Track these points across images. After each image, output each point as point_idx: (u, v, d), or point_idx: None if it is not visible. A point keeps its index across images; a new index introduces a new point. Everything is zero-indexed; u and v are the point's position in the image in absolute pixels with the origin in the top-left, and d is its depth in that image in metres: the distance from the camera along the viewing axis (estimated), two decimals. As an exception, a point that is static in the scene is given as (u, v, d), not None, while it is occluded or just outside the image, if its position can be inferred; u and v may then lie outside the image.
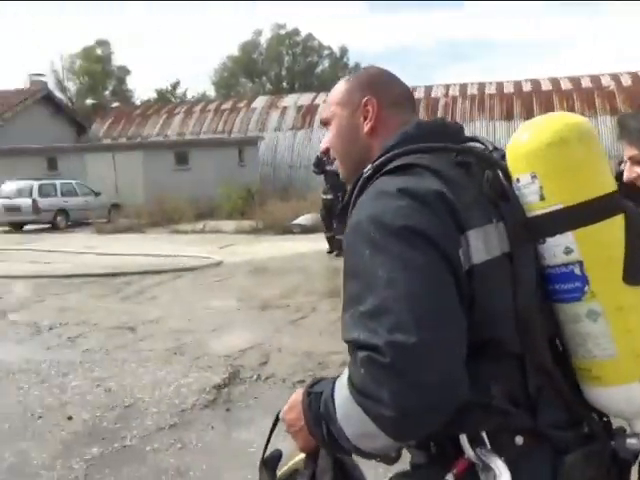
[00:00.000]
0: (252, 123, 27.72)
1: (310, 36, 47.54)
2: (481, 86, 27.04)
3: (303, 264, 10.09)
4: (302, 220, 14.23)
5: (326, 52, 48.88)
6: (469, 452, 0.97)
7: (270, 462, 1.18)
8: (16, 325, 6.66)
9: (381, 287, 0.91)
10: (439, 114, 25.52)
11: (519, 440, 0.98)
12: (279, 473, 1.18)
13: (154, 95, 44.91)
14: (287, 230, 14.58)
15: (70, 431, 3.83)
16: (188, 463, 3.41)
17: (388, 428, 0.89)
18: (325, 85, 37.89)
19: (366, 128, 1.18)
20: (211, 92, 47.00)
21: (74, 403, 4.28)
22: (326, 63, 49.31)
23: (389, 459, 1.07)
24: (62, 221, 18.84)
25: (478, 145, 1.15)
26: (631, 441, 1.04)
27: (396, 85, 1.23)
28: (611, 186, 1.03)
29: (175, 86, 45.98)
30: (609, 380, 1.01)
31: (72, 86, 42.83)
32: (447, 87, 27.53)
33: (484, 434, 0.97)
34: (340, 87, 1.25)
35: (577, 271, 1.01)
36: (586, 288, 1.00)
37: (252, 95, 35.43)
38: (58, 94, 34.96)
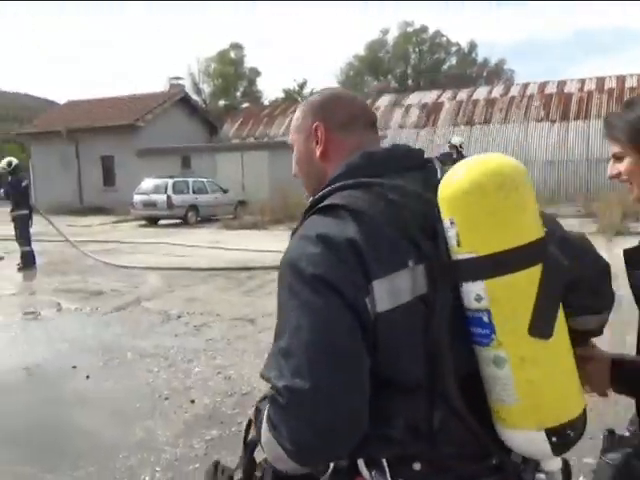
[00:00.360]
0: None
1: (438, 33, 46.91)
2: (620, 79, 25.26)
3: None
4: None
5: (454, 49, 47.98)
6: (365, 474, 1.06)
7: (250, 445, 1.25)
8: (148, 312, 7.18)
9: (291, 331, 0.99)
10: (572, 110, 24.24)
11: (417, 467, 1.04)
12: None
13: (282, 95, 46.30)
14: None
15: (192, 413, 4.10)
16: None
17: (291, 457, 1.00)
18: (452, 82, 37.18)
19: (318, 153, 1.22)
20: (336, 91, 47.67)
21: (197, 388, 4.57)
22: (453, 60, 48.42)
23: (318, 472, 1.12)
24: (193, 217, 19.89)
25: (436, 166, 1.17)
26: (540, 476, 1.09)
27: (344, 106, 1.25)
28: (531, 236, 1.01)
29: (302, 86, 47.11)
30: (511, 423, 1.04)
31: (206, 88, 45.18)
32: (582, 81, 25.99)
33: (384, 462, 1.04)
34: (296, 113, 1.31)
35: (485, 319, 1.01)
36: (493, 336, 1.01)
37: (377, 93, 35.48)
38: (194, 96, 37.03)
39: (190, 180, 21.00)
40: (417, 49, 46.95)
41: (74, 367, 5.06)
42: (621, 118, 1.52)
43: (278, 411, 0.98)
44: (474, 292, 1.02)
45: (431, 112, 26.96)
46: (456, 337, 1.04)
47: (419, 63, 47.15)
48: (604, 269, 1.25)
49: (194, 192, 20.40)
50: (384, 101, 29.19)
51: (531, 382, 1.02)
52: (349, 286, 0.99)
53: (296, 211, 18.38)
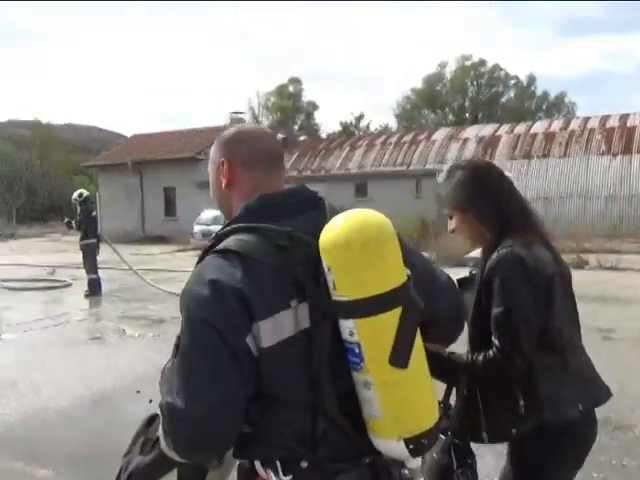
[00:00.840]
0: (431, 155, 27.87)
1: (496, 66, 46.88)
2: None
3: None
4: (476, 253, 13.99)
5: (512, 82, 47.75)
6: (261, 472, 1.29)
7: (151, 419, 1.51)
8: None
9: (181, 355, 1.24)
10: (635, 143, 23.70)
11: (304, 465, 1.26)
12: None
13: (339, 128, 46.97)
14: (461, 263, 14.43)
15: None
16: None
17: (174, 454, 1.29)
18: (510, 115, 36.94)
19: (223, 183, 1.40)
20: (393, 124, 48.03)
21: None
22: (512, 93, 48.14)
23: (211, 466, 1.42)
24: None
25: (325, 207, 1.33)
26: (404, 471, 1.35)
27: (247, 145, 1.40)
28: (393, 284, 1.20)
29: (359, 119, 47.73)
30: (378, 433, 1.27)
31: (265, 121, 46.35)
32: (647, 114, 25.41)
33: (277, 462, 1.26)
34: (212, 147, 1.46)
35: (356, 350, 1.22)
36: (362, 364, 1.22)
37: (433, 127, 35.60)
38: (253, 129, 37.94)
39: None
40: (475, 82, 46.95)
41: (138, 392, 5.31)
42: (444, 186, 1.96)
43: (163, 420, 1.27)
44: (348, 328, 1.22)
45: (488, 145, 26.84)
46: (338, 362, 1.24)
47: (477, 96, 47.10)
48: (458, 306, 1.50)
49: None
50: (441, 134, 29.27)
51: (392, 402, 1.24)
52: (228, 328, 1.19)
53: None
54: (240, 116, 32.48)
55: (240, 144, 1.40)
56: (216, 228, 14.77)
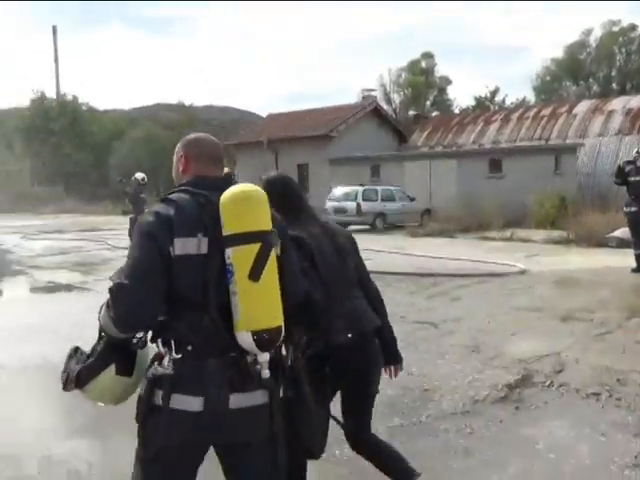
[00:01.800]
0: (572, 129, 26.38)
1: (648, 31, 43.00)
2: None
3: (613, 279, 9.52)
4: (620, 233, 13.21)
5: (667, 47, 43.64)
6: (162, 350, 1.98)
7: (74, 350, 2.17)
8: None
9: (130, 256, 1.95)
10: None
11: (189, 348, 1.93)
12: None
13: (472, 103, 45.57)
14: (602, 243, 13.71)
15: (377, 401, 4.48)
16: (475, 446, 3.76)
17: (114, 324, 1.93)
18: (663, 85, 33.91)
19: (180, 169, 2.18)
20: (531, 97, 45.82)
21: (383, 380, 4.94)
22: (666, 60, 44.04)
23: (135, 344, 2.08)
24: (380, 223, 20.54)
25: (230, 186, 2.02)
26: (257, 367, 1.94)
27: (198, 147, 2.17)
28: (257, 228, 1.92)
29: (494, 93, 45.97)
30: (237, 330, 1.90)
31: (397, 98, 45.96)
32: None
33: (172, 342, 1.94)
34: (178, 144, 2.22)
35: (230, 268, 1.90)
36: (232, 278, 1.89)
37: (575, 99, 33.55)
38: (384, 106, 37.93)
39: (379, 188, 21.67)
40: (623, 50, 43.48)
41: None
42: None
43: (111, 296, 1.92)
44: (227, 253, 1.91)
45: (636, 118, 24.94)
46: (221, 279, 1.92)
47: (625, 65, 43.61)
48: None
49: (382, 200, 21.00)
50: (583, 107, 27.59)
51: (247, 305, 1.89)
52: (161, 239, 1.92)
53: (483, 220, 18.23)
54: (372, 93, 32.56)
55: (194, 146, 2.18)
56: (348, 204, 15.35)
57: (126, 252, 2.00)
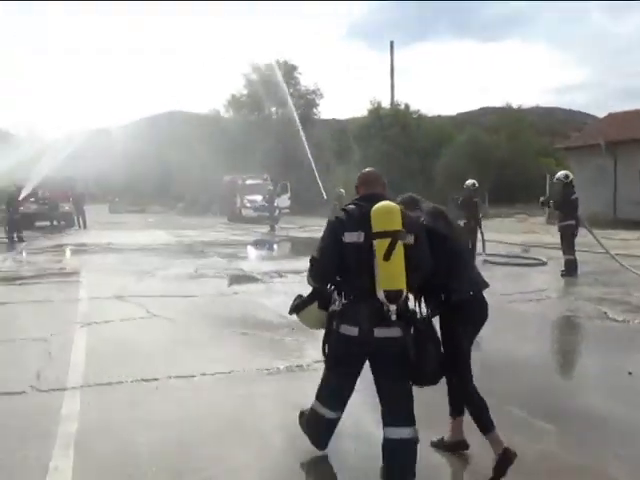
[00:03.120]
0: None
1: None
2: None
3: None
4: None
5: None
6: (335, 296, 3.49)
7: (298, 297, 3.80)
8: None
9: (321, 238, 3.48)
10: None
11: (351, 297, 3.37)
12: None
13: None
14: None
15: None
16: None
17: (310, 278, 3.57)
18: None
19: (358, 191, 3.63)
20: None
21: None
22: None
23: (327, 297, 3.58)
24: None
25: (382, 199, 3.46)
26: (389, 312, 3.26)
27: (364, 177, 3.63)
28: (392, 227, 3.21)
29: None
30: (377, 288, 3.23)
31: None
32: None
33: (342, 293, 3.42)
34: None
35: (374, 252, 3.21)
36: (375, 259, 3.23)
37: None
38: None
39: None
40: None
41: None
42: None
43: (310, 264, 3.48)
44: (373, 243, 3.22)
45: None
46: (371, 257, 3.23)
47: None
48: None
49: None
50: None
51: (382, 274, 3.20)
52: (337, 231, 3.35)
53: None
54: None
55: (361, 177, 3.64)
56: None
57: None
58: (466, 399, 3.67)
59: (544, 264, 12.82)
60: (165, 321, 7.72)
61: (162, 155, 35.39)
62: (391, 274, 3.17)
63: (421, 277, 3.36)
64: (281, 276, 11.74)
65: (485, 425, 3.54)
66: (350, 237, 3.28)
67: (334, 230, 3.35)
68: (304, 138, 32.01)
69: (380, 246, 3.17)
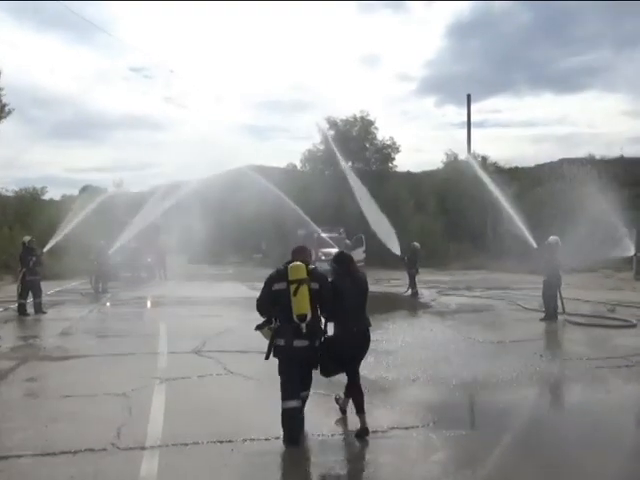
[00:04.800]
0: None
1: None
2: None
3: None
4: None
5: None
6: (275, 321, 5.73)
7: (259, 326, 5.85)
8: None
9: (263, 288, 5.77)
10: None
11: (280, 320, 5.67)
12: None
13: None
14: None
15: None
16: None
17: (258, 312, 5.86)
18: None
19: (291, 258, 5.87)
20: None
21: None
22: None
23: (268, 322, 5.78)
24: None
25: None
26: (301, 328, 5.58)
27: (297, 250, 5.93)
28: (298, 277, 5.51)
29: None
30: (293, 314, 5.57)
31: None
32: None
33: (277, 318, 5.69)
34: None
35: (290, 292, 5.59)
36: (291, 296, 5.56)
37: None
38: None
39: None
40: None
41: None
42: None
43: (257, 303, 5.77)
44: (290, 287, 5.53)
45: None
46: (289, 296, 5.52)
47: None
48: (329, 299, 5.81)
49: None
50: None
51: (294, 303, 5.49)
52: (270, 283, 5.67)
53: None
54: None
55: (294, 251, 5.93)
56: None
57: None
58: (351, 389, 5.94)
59: (634, 326, 12.07)
60: (242, 379, 7.81)
61: (239, 206, 36.40)
62: (299, 303, 5.43)
63: (325, 311, 5.72)
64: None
65: (358, 408, 5.73)
66: (278, 286, 5.55)
67: (268, 283, 5.65)
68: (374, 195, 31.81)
69: (293, 288, 5.44)
